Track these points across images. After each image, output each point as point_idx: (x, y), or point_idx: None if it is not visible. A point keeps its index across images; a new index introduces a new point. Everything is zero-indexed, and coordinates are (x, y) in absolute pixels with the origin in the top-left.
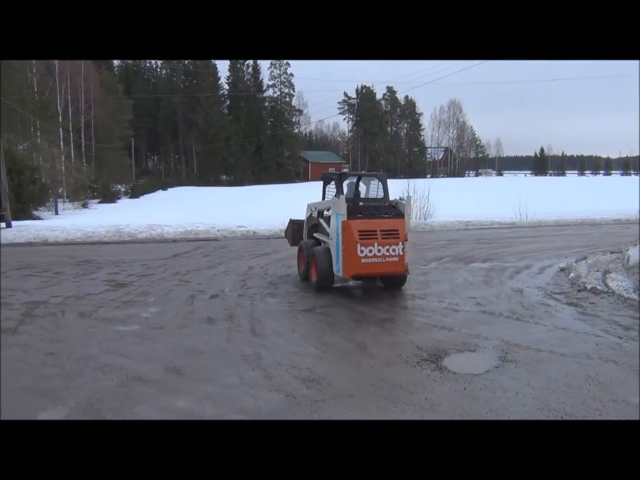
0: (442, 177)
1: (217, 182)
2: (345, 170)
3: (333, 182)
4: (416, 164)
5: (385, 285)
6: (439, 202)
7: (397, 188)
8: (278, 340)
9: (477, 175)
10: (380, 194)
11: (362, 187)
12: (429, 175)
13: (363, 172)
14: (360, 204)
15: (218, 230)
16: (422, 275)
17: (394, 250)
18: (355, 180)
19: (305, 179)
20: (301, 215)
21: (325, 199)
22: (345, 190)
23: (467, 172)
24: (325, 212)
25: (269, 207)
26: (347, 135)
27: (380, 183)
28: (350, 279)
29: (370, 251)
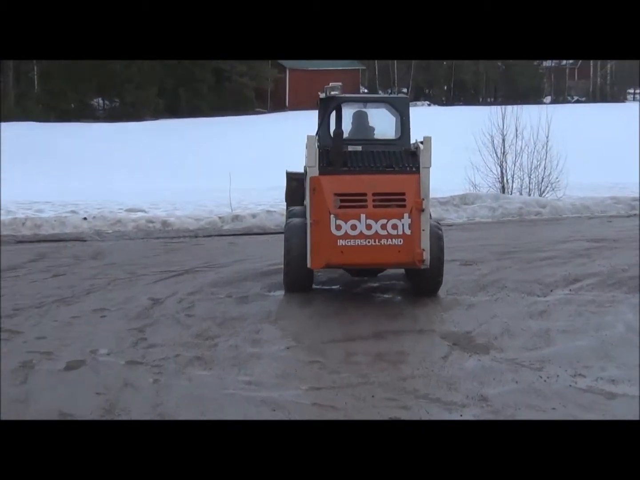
0: (576, 100)
1: (82, 113)
2: (334, 92)
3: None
4: (521, 78)
5: (414, 289)
6: (571, 157)
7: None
8: None
9: None
10: (394, 133)
11: (365, 122)
12: (547, 99)
13: (365, 94)
14: (357, 148)
15: (85, 219)
16: (538, 316)
17: (394, 226)
18: (337, 109)
19: (279, 105)
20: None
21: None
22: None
23: (630, 92)
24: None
25: (200, 169)
26: None
27: (396, 114)
28: (318, 271)
29: (354, 227)
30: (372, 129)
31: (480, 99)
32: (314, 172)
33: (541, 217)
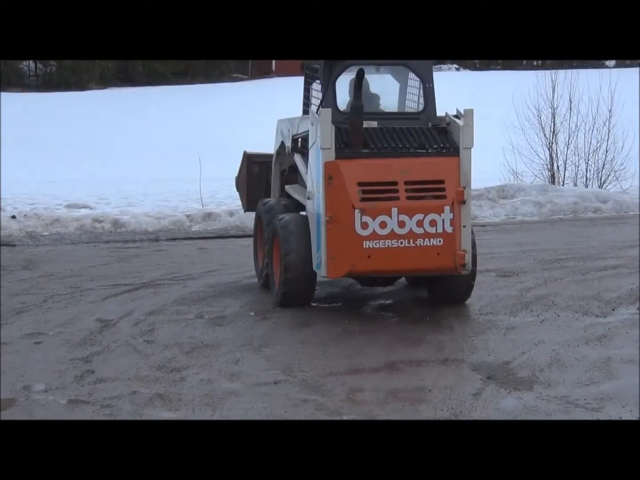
0: None
1: (8, 80)
2: None
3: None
4: None
5: (432, 296)
6: None
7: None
8: None
9: None
10: (416, 105)
11: (375, 89)
12: (610, 62)
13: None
14: (372, 124)
15: (13, 217)
16: (596, 342)
17: (432, 222)
18: (359, 74)
19: (263, 70)
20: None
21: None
22: (346, 97)
23: None
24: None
25: (162, 153)
26: None
27: (417, 80)
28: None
29: (384, 225)
30: (378, 97)
31: (524, 62)
32: (329, 155)
33: (601, 214)
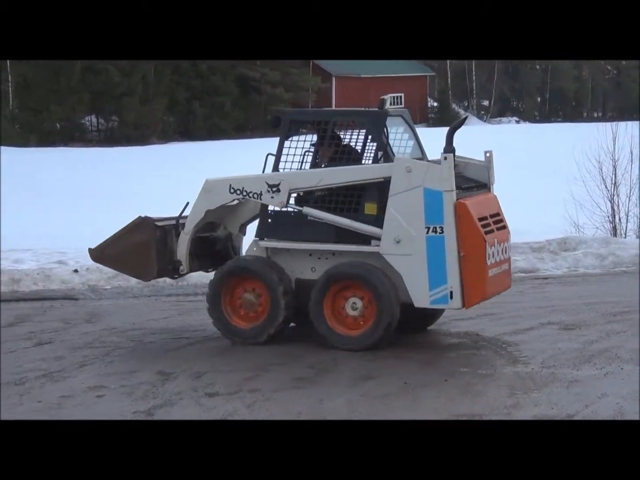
0: None
1: (70, 136)
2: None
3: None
4: (637, 86)
5: (411, 325)
6: None
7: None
8: None
9: None
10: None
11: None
12: None
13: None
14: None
15: (76, 271)
16: None
17: (505, 249)
18: (460, 123)
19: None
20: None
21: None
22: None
23: None
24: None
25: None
26: None
27: (406, 128)
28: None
29: (493, 254)
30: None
31: (585, 114)
32: (453, 197)
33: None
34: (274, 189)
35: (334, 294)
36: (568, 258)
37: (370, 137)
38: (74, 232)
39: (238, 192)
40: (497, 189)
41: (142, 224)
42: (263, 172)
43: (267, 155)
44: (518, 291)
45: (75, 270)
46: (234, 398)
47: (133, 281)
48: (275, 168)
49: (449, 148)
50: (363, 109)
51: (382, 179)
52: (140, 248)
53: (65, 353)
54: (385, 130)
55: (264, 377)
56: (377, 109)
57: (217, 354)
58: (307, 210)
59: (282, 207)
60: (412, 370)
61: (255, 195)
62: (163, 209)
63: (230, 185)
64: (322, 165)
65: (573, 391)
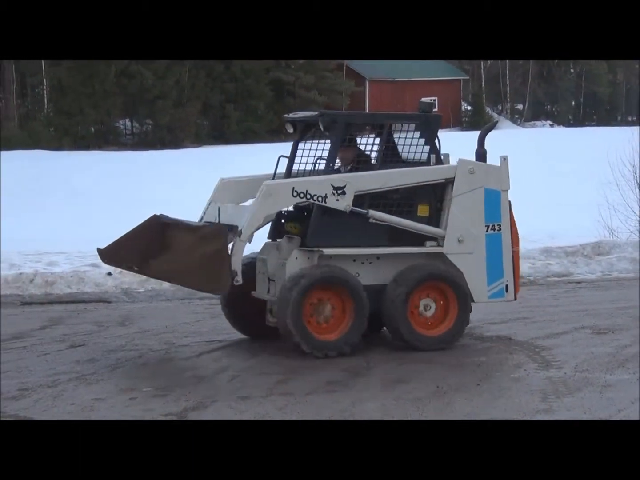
0: None
1: (104, 139)
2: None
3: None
4: None
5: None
6: None
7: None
8: None
9: None
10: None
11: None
12: None
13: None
14: None
15: (109, 274)
16: None
17: None
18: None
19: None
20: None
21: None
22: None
23: None
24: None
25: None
26: None
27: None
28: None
29: None
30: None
31: (619, 117)
32: (508, 196)
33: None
34: (340, 192)
35: (418, 297)
36: (602, 262)
37: (424, 139)
38: (108, 235)
39: (302, 195)
40: (532, 192)
41: (215, 232)
42: (274, 175)
43: (279, 157)
44: (551, 295)
45: (109, 273)
46: (266, 401)
47: (165, 284)
48: (331, 171)
49: (481, 150)
50: (416, 112)
51: (444, 180)
52: (214, 259)
53: (98, 355)
54: (435, 130)
55: (296, 380)
56: (430, 113)
57: (250, 357)
58: (372, 213)
59: (348, 210)
60: (444, 374)
61: (320, 199)
62: (197, 213)
63: (293, 189)
64: (342, 170)
65: (606, 396)
